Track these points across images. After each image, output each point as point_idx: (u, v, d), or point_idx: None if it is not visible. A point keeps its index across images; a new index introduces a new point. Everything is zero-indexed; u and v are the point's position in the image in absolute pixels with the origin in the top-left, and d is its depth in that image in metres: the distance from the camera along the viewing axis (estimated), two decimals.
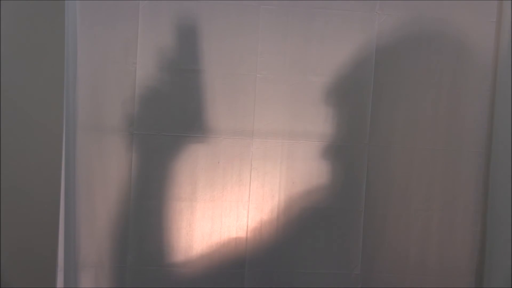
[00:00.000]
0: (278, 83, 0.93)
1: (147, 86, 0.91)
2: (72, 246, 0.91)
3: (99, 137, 0.91)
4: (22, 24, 0.92)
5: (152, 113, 0.92)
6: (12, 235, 0.93)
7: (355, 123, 0.94)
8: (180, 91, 0.92)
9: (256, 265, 0.94)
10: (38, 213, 0.92)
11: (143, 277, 0.93)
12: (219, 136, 0.93)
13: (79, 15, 0.89)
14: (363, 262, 0.95)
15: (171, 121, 0.92)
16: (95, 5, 0.90)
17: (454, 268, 0.96)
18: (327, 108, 0.94)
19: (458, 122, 0.95)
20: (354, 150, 0.94)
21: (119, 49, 0.90)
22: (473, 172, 0.96)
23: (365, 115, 0.94)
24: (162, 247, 0.93)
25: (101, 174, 0.91)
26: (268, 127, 0.94)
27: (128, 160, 0.92)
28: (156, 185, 0.93)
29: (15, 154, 0.92)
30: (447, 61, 0.95)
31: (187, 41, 0.91)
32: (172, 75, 0.92)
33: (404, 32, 0.94)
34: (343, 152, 0.94)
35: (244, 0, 0.92)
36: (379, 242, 0.95)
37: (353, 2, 0.93)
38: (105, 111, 0.91)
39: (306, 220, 0.95)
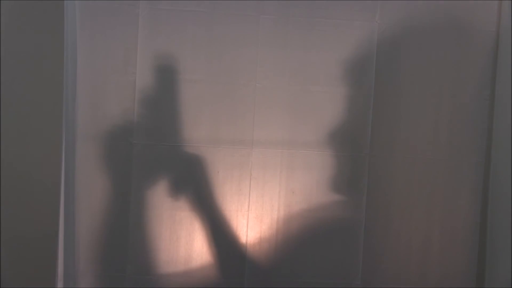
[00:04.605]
0: (278, 93, 0.93)
1: (147, 96, 0.91)
2: (72, 255, 0.91)
3: (98, 146, 0.91)
4: (21, 34, 0.92)
5: (152, 123, 0.92)
6: (12, 245, 0.93)
7: (356, 133, 0.94)
8: (180, 101, 0.92)
9: (256, 275, 0.94)
10: (38, 223, 0.92)
11: (142, 287, 0.93)
12: (219, 145, 0.93)
13: (78, 24, 0.89)
14: (363, 273, 0.94)
15: (170, 131, 0.92)
16: (94, 14, 0.90)
17: (455, 279, 0.95)
18: (327, 118, 0.93)
19: (458, 132, 0.95)
20: (355, 160, 0.94)
21: (118, 58, 0.91)
22: (474, 182, 0.95)
23: (365, 125, 0.94)
24: (161, 256, 0.93)
25: (101, 184, 0.92)
26: (267, 136, 0.93)
27: (127, 170, 0.92)
28: (156, 195, 0.93)
29: (14, 163, 0.93)
30: (447, 71, 0.94)
31: (187, 51, 0.91)
32: (171, 84, 0.91)
33: (404, 41, 0.93)
34: (344, 162, 0.94)
35: (244, 7, 0.92)
36: (380, 253, 0.95)
37: (353, 11, 0.92)
38: (104, 121, 0.91)
39: (306, 230, 0.94)
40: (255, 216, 0.95)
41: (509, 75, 0.91)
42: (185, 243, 0.94)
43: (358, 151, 0.94)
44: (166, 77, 0.91)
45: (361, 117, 0.94)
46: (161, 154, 0.92)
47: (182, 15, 0.91)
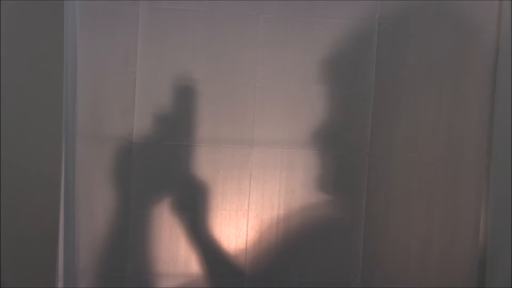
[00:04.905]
0: (278, 93, 0.93)
1: (147, 95, 0.91)
2: (72, 255, 0.91)
3: (98, 146, 0.91)
4: (21, 34, 0.92)
5: (152, 122, 0.92)
6: (11, 245, 0.93)
7: (356, 132, 0.94)
8: (180, 100, 0.92)
9: (255, 274, 0.94)
10: (37, 222, 0.93)
11: (142, 287, 0.93)
12: (219, 145, 0.93)
13: (78, 24, 0.89)
14: (363, 272, 0.94)
15: (170, 130, 0.92)
16: (94, 14, 0.90)
17: (455, 279, 0.95)
18: (326, 117, 0.94)
19: (458, 131, 0.94)
20: (355, 159, 0.94)
21: (118, 58, 0.91)
22: (474, 182, 0.95)
23: (365, 125, 0.94)
24: (161, 256, 0.93)
25: (101, 183, 0.92)
26: (267, 136, 0.93)
27: (127, 169, 0.92)
28: (156, 194, 0.93)
29: (14, 163, 0.93)
30: (447, 71, 0.94)
31: (187, 51, 0.91)
32: (171, 84, 0.92)
33: (404, 41, 0.93)
34: (343, 161, 0.94)
35: (245, 7, 0.92)
36: (379, 253, 0.95)
37: (353, 11, 0.92)
38: (104, 120, 0.91)
39: (306, 230, 0.94)
40: (255, 216, 0.95)
41: (509, 75, 0.91)
42: (185, 243, 0.94)
43: (358, 151, 0.94)
44: (166, 77, 0.91)
45: (360, 116, 0.94)
46: (161, 154, 0.92)
47: (182, 15, 0.91)
